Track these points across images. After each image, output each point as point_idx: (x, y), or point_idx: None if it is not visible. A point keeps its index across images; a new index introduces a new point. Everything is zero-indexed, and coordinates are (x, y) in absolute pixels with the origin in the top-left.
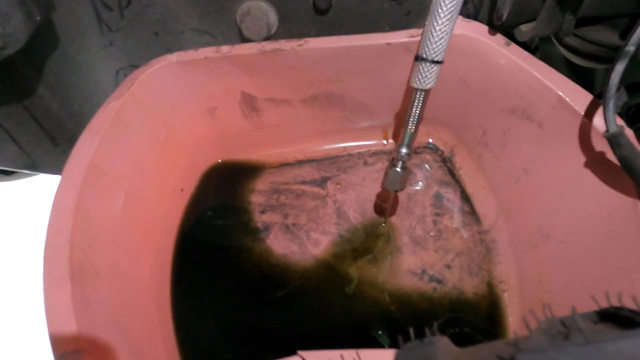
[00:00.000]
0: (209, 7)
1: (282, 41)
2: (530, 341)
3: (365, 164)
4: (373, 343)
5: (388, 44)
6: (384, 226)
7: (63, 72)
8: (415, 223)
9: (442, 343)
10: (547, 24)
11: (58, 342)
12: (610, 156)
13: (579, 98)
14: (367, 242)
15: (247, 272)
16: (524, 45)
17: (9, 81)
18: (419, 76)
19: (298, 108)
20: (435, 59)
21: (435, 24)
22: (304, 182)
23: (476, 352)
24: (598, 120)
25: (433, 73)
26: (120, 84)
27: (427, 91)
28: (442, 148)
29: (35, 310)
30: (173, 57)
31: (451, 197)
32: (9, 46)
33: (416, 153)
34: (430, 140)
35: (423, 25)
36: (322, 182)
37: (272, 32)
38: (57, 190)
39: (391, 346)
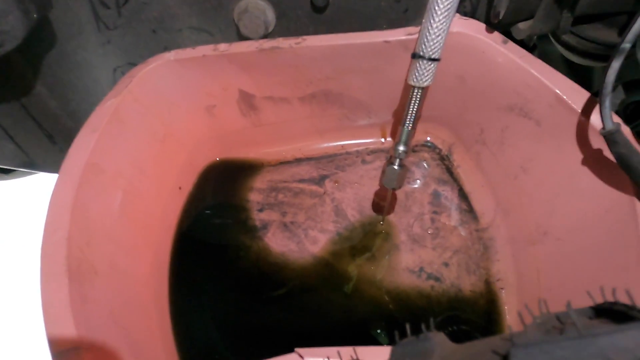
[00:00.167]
0: (206, 5)
1: (280, 39)
2: (525, 336)
3: (363, 162)
4: (371, 341)
5: (386, 41)
6: (382, 224)
7: (60, 70)
8: (413, 221)
9: (438, 339)
10: (545, 22)
11: (55, 340)
12: (608, 154)
13: (576, 96)
14: (365, 240)
15: (246, 271)
16: (521, 43)
17: (6, 79)
18: (416, 74)
19: (296, 106)
20: (432, 57)
21: (432, 21)
22: (302, 180)
23: (472, 347)
24: (595, 118)
25: (430, 71)
26: (118, 82)
27: (424, 89)
28: (440, 146)
29: (33, 308)
30: (171, 55)
31: (449, 195)
32: (6, 44)
33: (414, 151)
34: (428, 138)
35: (421, 23)
36: (320, 180)
37: (270, 30)
38: (55, 188)
39: (389, 344)
